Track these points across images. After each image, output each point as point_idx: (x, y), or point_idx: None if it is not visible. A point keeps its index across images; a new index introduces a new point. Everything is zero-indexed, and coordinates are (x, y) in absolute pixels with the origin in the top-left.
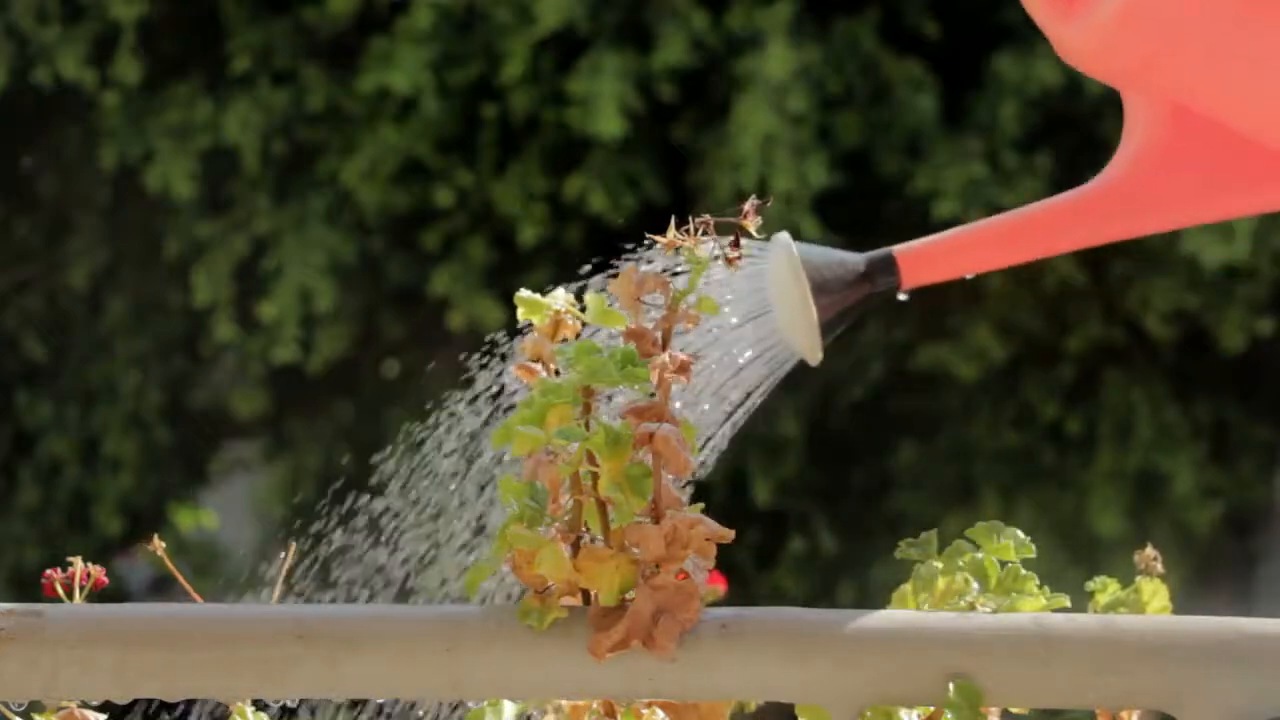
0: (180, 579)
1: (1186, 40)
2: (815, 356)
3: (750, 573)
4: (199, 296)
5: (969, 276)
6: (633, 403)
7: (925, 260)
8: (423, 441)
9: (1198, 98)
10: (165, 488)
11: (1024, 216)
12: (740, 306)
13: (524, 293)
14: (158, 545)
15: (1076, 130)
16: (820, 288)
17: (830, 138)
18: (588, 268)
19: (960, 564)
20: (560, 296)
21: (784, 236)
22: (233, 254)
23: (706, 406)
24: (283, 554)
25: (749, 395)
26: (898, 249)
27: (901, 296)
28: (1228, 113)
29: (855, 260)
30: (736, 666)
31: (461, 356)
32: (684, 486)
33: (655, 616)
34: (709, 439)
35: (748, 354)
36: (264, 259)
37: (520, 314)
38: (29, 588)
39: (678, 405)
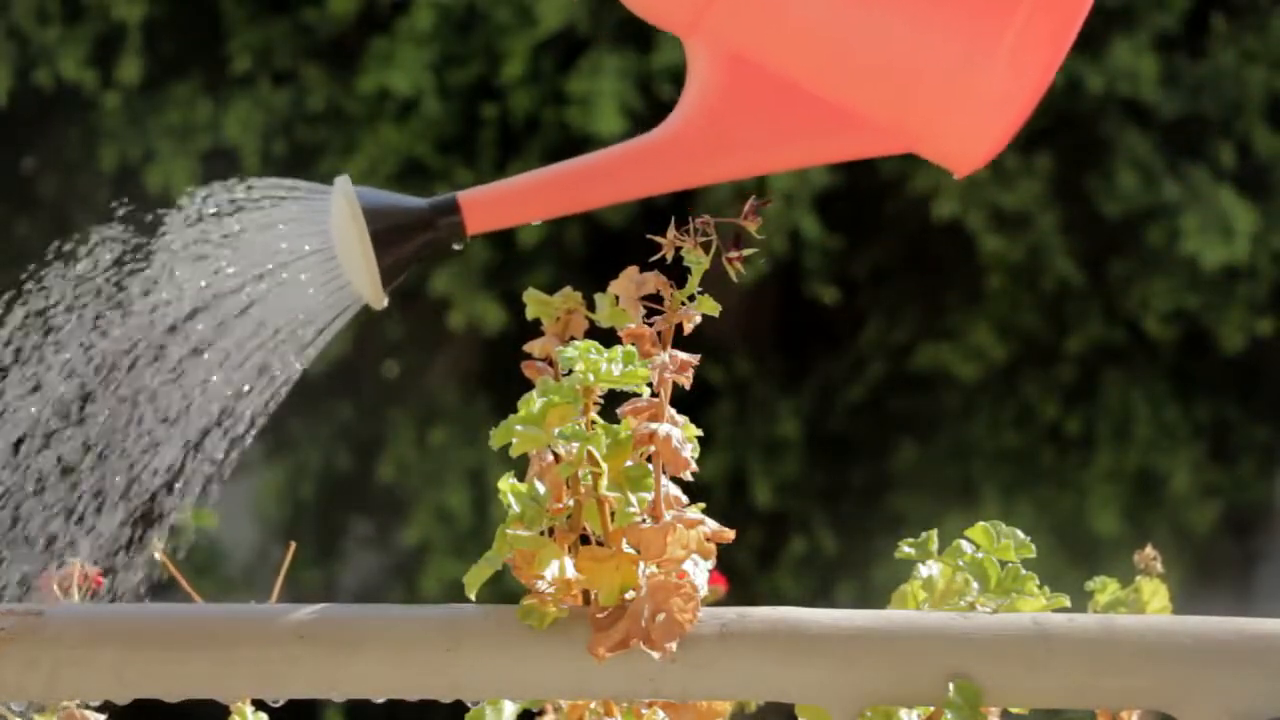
0: (181, 580)
1: None
2: (379, 302)
3: (750, 573)
4: None
5: (532, 223)
6: (632, 403)
7: (489, 205)
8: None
9: (751, 46)
10: None
11: (587, 163)
12: (305, 249)
13: (533, 292)
14: (159, 549)
15: (1076, 130)
16: (381, 233)
17: None
18: None
19: (960, 564)
20: (568, 296)
21: (343, 180)
22: None
23: (270, 345)
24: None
25: (318, 335)
26: (462, 194)
27: (457, 246)
28: (780, 60)
29: (418, 206)
30: (736, 666)
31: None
32: None
33: (655, 616)
34: (276, 379)
35: (313, 296)
36: None
37: (528, 313)
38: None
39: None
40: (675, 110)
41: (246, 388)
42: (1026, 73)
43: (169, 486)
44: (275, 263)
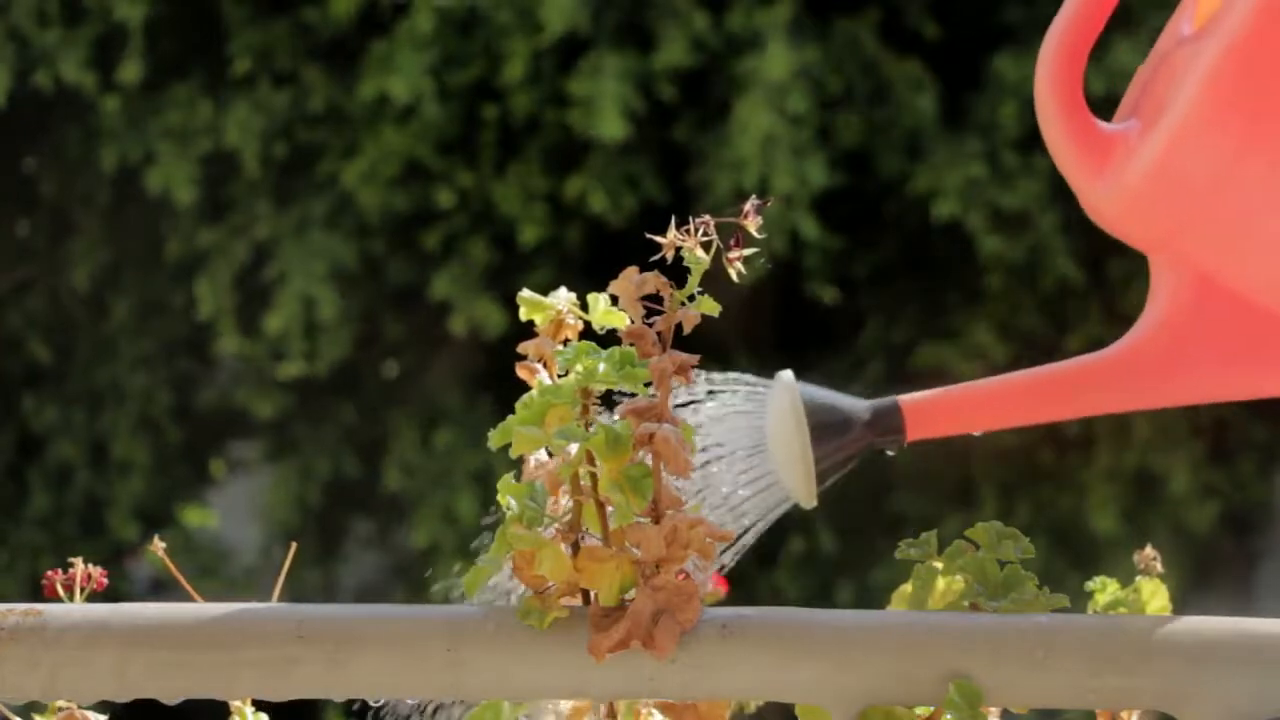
0: (181, 579)
1: (1217, 211)
2: (809, 502)
3: (750, 573)
4: (203, 308)
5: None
6: (632, 403)
7: (933, 414)
8: None
9: (1226, 271)
10: (175, 489)
11: (1040, 378)
12: (737, 439)
13: (526, 293)
14: (158, 546)
15: None
16: (820, 433)
17: (830, 138)
18: None
19: (960, 564)
20: (562, 296)
21: (787, 376)
22: (234, 261)
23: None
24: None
25: (745, 532)
26: (904, 399)
27: (891, 452)
28: (1257, 289)
29: (859, 408)
30: (736, 666)
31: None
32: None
33: (655, 617)
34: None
35: (744, 490)
36: (266, 266)
37: (522, 314)
38: (43, 596)
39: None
40: (1137, 325)
41: None
42: None
43: None
44: (712, 454)
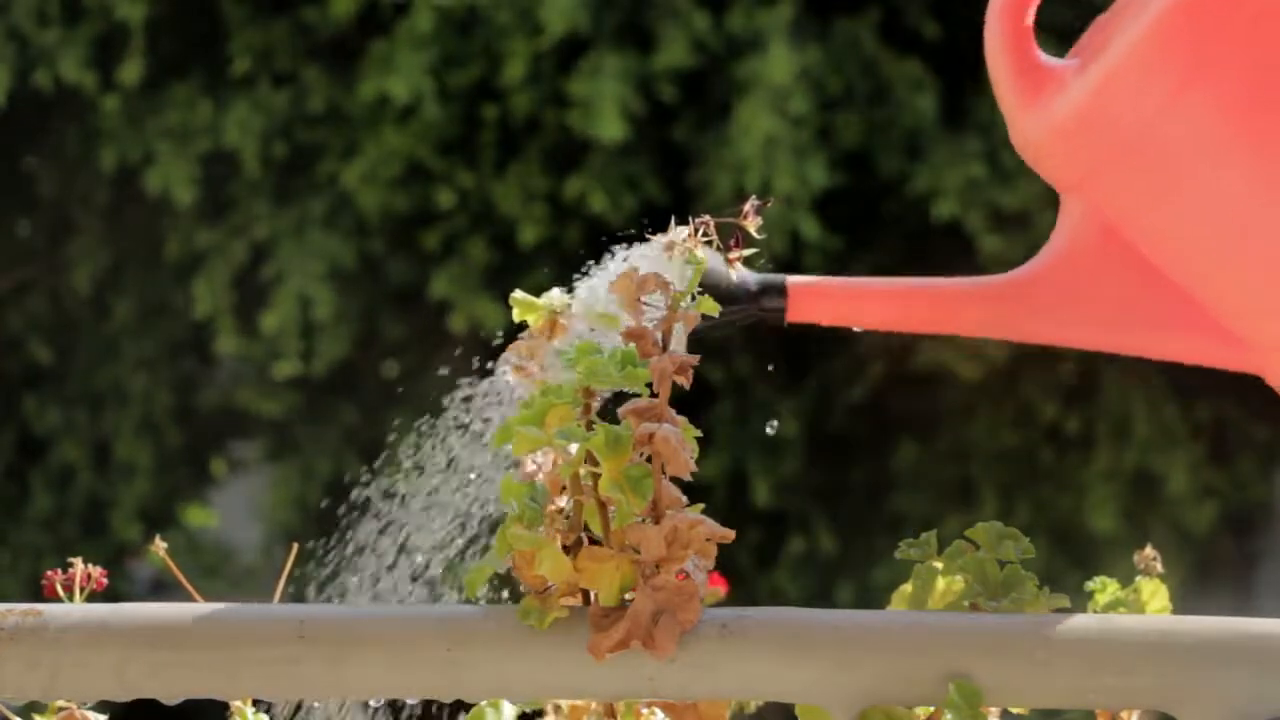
0: (181, 579)
1: (1136, 162)
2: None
3: (750, 573)
4: (200, 308)
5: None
6: (633, 403)
7: (816, 297)
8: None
9: (1129, 225)
10: (177, 490)
11: (925, 286)
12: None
13: (519, 294)
14: (159, 546)
15: None
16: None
17: (830, 138)
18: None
19: (960, 564)
20: (555, 297)
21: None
22: (232, 261)
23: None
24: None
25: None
26: (791, 279)
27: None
28: (1154, 248)
29: (748, 279)
30: (736, 666)
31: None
32: None
33: (655, 617)
34: None
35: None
36: (264, 265)
37: (515, 314)
38: (45, 597)
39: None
40: (1036, 257)
41: None
42: None
43: None
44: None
